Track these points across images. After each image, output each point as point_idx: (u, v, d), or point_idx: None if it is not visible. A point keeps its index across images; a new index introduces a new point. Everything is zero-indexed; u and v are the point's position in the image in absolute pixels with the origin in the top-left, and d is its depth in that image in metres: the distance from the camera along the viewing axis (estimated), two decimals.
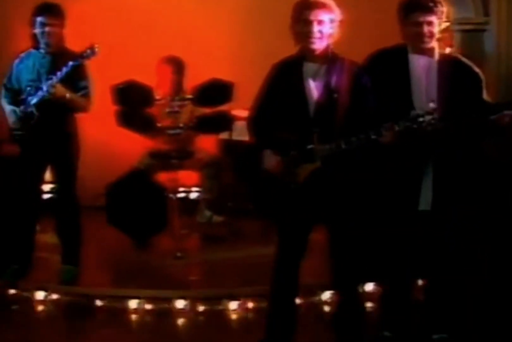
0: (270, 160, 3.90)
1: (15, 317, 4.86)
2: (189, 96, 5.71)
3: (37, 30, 4.98)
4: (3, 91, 5.16)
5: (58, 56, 4.99)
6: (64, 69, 4.86)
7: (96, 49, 4.87)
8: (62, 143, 5.08)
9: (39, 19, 4.96)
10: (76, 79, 4.97)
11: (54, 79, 4.84)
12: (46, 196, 5.92)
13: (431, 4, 3.83)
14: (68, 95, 4.91)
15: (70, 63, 4.87)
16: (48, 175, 5.32)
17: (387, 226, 4.04)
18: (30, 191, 5.16)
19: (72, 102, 4.98)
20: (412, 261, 4.07)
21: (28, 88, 4.97)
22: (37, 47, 5.06)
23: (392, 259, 4.09)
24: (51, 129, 5.01)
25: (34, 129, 4.98)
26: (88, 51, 4.89)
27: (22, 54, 5.11)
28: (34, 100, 4.92)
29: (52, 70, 4.93)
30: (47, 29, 4.95)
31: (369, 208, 4.03)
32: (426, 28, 3.84)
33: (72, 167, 5.15)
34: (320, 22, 3.78)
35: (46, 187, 5.88)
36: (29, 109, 4.95)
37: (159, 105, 5.76)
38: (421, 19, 3.83)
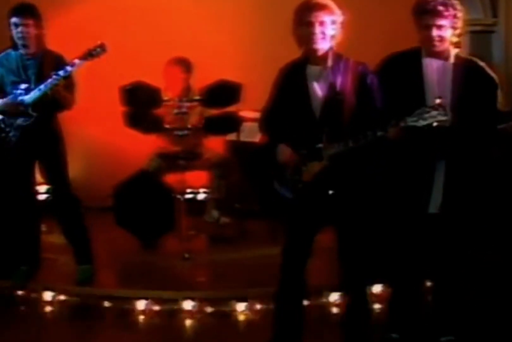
0: (285, 153, 3.88)
1: (23, 317, 4.87)
2: (197, 97, 5.71)
3: (12, 32, 4.92)
4: None
5: (42, 57, 4.96)
6: (69, 68, 4.83)
7: (106, 47, 4.85)
8: (50, 141, 5.05)
9: (13, 20, 4.90)
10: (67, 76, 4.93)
11: (57, 77, 4.79)
12: (43, 197, 5.94)
13: (440, 8, 3.79)
14: (63, 92, 4.90)
15: (77, 61, 4.84)
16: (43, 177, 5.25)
17: (396, 227, 4.03)
18: (23, 191, 5.12)
19: (65, 99, 4.97)
20: (420, 263, 4.07)
21: (16, 90, 4.90)
22: (15, 49, 4.98)
23: (400, 261, 4.09)
24: (40, 128, 4.97)
25: (26, 128, 4.94)
26: (98, 49, 4.86)
27: None
28: (29, 100, 4.87)
29: (40, 72, 4.90)
30: (20, 29, 4.88)
31: (378, 209, 4.02)
32: (435, 32, 3.81)
33: (62, 165, 5.10)
34: (322, 23, 3.77)
35: (42, 188, 5.88)
36: (22, 109, 4.89)
37: (167, 106, 5.77)
38: (430, 22, 3.80)
